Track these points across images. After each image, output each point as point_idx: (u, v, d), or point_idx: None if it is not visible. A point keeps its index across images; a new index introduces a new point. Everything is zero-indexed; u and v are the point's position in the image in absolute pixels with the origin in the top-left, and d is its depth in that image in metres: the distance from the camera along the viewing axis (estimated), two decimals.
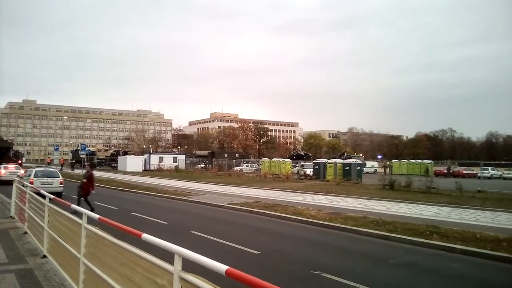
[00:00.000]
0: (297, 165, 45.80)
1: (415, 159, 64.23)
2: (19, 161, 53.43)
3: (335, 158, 54.05)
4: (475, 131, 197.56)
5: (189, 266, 2.84)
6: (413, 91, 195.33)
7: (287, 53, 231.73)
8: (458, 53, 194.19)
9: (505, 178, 47.32)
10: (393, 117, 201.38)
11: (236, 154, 68.43)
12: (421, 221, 12.36)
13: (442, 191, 22.84)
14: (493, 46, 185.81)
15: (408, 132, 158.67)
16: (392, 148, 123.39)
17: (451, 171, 52.47)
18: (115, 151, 76.07)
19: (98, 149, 71.07)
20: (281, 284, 6.22)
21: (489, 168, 49.87)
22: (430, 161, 58.74)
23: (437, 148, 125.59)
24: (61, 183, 20.26)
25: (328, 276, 6.97)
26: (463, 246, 9.20)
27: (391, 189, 24.95)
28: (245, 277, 2.35)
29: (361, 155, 65.73)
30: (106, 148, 76.35)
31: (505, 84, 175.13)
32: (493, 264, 8.24)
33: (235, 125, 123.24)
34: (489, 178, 43.76)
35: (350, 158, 54.67)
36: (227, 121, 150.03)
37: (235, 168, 48.38)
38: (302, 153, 63.10)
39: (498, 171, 51.21)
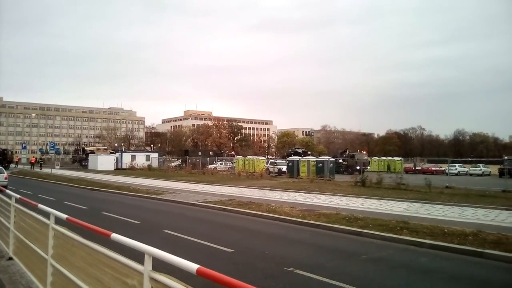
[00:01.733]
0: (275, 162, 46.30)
1: (386, 156, 65.62)
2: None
3: (336, 155, 52.72)
4: (443, 129, 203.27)
5: (161, 266, 2.80)
6: (384, 89, 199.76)
7: (261, 51, 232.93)
8: (426, 53, 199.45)
9: (471, 174, 48.93)
10: (365, 115, 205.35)
11: (210, 152, 68.12)
12: (392, 217, 12.63)
13: (412, 187, 23.44)
14: (459, 47, 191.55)
15: (379, 130, 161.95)
16: (363, 145, 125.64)
17: (417, 167, 54.32)
18: (82, 148, 73.93)
19: (97, 149, 69.69)
20: (254, 281, 6.23)
21: (457, 164, 51.48)
22: (400, 158, 60.13)
23: (407, 145, 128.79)
24: (5, 178, 23.72)
25: (301, 272, 7.03)
26: (431, 241, 9.47)
27: (362, 186, 25.39)
28: (216, 275, 2.34)
29: (364, 152, 62.81)
30: (106, 148, 74.65)
31: (471, 83, 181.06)
32: (460, 257, 8.51)
33: (209, 122, 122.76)
34: (456, 174, 45.22)
35: (353, 156, 51.59)
36: (201, 119, 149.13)
37: (209, 166, 48.13)
38: (300, 150, 59.06)
39: (465, 167, 52.92)
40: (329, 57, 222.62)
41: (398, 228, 10.83)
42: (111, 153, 63.89)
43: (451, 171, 38.06)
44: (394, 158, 59.37)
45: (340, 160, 48.07)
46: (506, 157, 49.14)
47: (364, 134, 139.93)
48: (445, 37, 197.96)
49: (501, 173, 39.67)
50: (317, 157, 58.49)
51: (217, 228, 12.10)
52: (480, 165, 54.28)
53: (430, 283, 6.88)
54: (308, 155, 53.75)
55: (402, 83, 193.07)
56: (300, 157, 45.00)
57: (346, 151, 55.84)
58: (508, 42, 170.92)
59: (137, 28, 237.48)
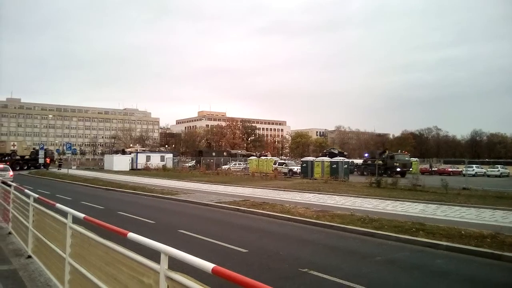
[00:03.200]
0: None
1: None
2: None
3: (373, 156, 48.42)
4: (460, 130, 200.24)
5: (176, 265, 2.83)
6: (397, 90, 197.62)
7: (272, 53, 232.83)
8: (437, 54, 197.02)
9: (489, 176, 48.10)
10: (379, 116, 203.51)
11: (224, 153, 68.36)
12: (407, 218, 12.49)
13: (428, 188, 23.15)
14: (470, 47, 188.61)
15: (394, 130, 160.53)
16: (378, 146, 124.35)
17: (433, 168, 53.34)
18: (122, 150, 73.72)
19: (137, 150, 70.70)
20: (268, 282, 6.24)
21: (474, 165, 50.64)
22: (416, 159, 59.40)
23: (423, 146, 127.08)
24: (11, 176, 26.97)
25: (316, 273, 7.00)
26: (448, 243, 9.34)
27: (378, 186, 25.17)
28: (231, 275, 2.35)
29: (405, 152, 54.60)
30: (144, 148, 75.16)
31: (486, 84, 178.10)
32: (477, 260, 8.38)
33: (223, 123, 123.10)
34: (473, 175, 44.45)
35: (393, 156, 45.93)
36: (214, 119, 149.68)
37: (223, 167, 48.29)
38: (335, 151, 54.20)
39: (482, 168, 52.04)
40: (342, 59, 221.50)
41: (414, 229, 10.72)
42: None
43: (468, 172, 37.37)
44: (411, 158, 58.66)
45: (380, 162, 42.72)
46: None
47: (379, 135, 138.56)
48: (455, 38, 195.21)
49: None
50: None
51: (231, 229, 12.14)
52: (498, 166, 53.28)
53: (446, 285, 6.79)
54: (345, 156, 49.93)
55: (416, 84, 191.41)
56: (342, 158, 42.42)
57: (385, 152, 50.36)
58: None
59: (150, 33, 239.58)
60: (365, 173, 43.43)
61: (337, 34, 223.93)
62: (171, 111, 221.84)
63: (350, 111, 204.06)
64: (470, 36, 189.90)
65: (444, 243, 9.34)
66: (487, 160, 65.66)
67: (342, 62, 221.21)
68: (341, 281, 6.56)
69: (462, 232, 10.32)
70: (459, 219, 12.89)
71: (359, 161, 64.70)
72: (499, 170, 50.84)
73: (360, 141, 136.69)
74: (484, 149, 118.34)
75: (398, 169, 42.26)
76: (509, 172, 48.99)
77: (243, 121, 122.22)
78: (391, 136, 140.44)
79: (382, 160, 44.24)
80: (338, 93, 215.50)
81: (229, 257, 8.19)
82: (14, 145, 56.52)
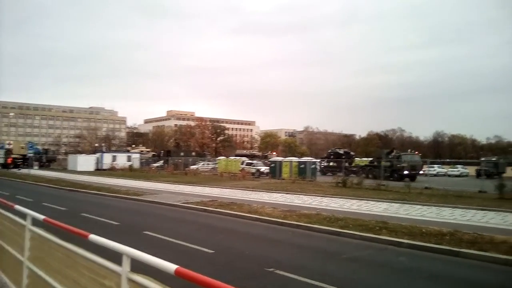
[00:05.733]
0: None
1: (367, 157, 66.28)
2: None
3: (379, 157, 41.42)
4: (423, 131, 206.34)
5: (139, 267, 2.79)
6: (366, 91, 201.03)
7: (245, 53, 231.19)
8: (406, 56, 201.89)
9: (449, 175, 49.92)
10: (347, 116, 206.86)
11: (193, 153, 67.79)
12: (372, 217, 12.81)
13: (391, 188, 23.81)
14: (438, 50, 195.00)
15: (361, 131, 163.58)
16: (345, 146, 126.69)
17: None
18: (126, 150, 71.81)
19: (141, 151, 69.21)
20: (234, 282, 6.23)
21: (435, 165, 52.41)
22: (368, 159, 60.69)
23: (388, 146, 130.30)
24: None
25: (282, 273, 7.07)
26: (410, 241, 9.65)
27: (344, 186, 25.65)
28: (194, 276, 2.34)
29: (416, 152, 46.76)
30: (148, 150, 74.60)
31: (449, 86, 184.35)
32: (437, 256, 8.68)
33: (192, 123, 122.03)
34: (435, 175, 46.00)
35: (400, 156, 39.93)
36: (183, 119, 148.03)
37: (192, 167, 47.89)
38: (341, 151, 49.87)
39: (443, 168, 53.94)
40: (312, 60, 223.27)
41: (377, 228, 11.00)
42: (153, 155, 62.90)
43: (430, 172, 38.75)
44: (363, 159, 59.83)
45: (388, 163, 37.91)
46: (483, 159, 50.38)
47: (346, 136, 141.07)
48: (425, 41, 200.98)
49: (478, 174, 40.53)
50: (299, 157, 58.12)
51: (197, 229, 12.06)
52: (458, 166, 55.42)
53: (408, 282, 7.01)
54: (351, 156, 47.75)
55: (384, 85, 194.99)
56: (345, 158, 41.92)
57: (393, 151, 43.69)
58: (485, 47, 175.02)
59: (122, 30, 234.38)
60: (370, 176, 37.04)
61: (311, 35, 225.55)
62: (140, 111, 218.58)
63: (319, 111, 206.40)
64: (439, 38, 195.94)
65: (406, 241, 9.64)
66: (448, 160, 68.10)
67: (315, 63, 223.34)
68: (307, 280, 6.64)
69: (423, 230, 10.68)
70: (420, 218, 13.33)
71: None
72: (459, 170, 52.92)
73: (327, 142, 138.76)
74: (445, 149, 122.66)
75: (406, 172, 36.97)
76: (468, 172, 50.96)
77: (213, 121, 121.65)
78: (357, 137, 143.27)
79: (388, 161, 38.62)
80: (308, 93, 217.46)
81: (195, 258, 8.14)
82: None
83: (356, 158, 49.94)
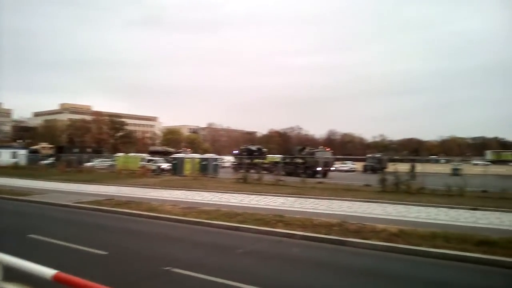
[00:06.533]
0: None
1: (268, 154, 68.61)
2: None
3: (292, 153, 43.25)
4: (318, 129, 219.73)
5: (21, 274, 2.56)
6: (267, 90, 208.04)
7: (148, 48, 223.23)
8: (303, 59, 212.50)
9: (340, 171, 53.93)
10: (249, 114, 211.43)
11: (89, 149, 63.77)
12: (269, 211, 13.29)
13: (288, 183, 24.95)
14: (331, 56, 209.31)
15: (262, 128, 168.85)
16: (247, 143, 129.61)
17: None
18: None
19: (43, 147, 60.51)
20: (128, 283, 6.06)
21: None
22: (280, 155, 63.44)
23: (287, 143, 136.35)
24: None
25: (178, 270, 7.02)
26: (302, 232, 10.24)
27: (244, 182, 26.22)
28: (74, 280, 2.24)
29: (327, 149, 47.04)
30: (51, 146, 65.59)
31: (344, 89, 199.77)
32: (326, 246, 9.36)
33: (88, 117, 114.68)
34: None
35: (314, 153, 39.98)
36: (79, 113, 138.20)
37: (87, 164, 45.00)
38: (254, 148, 48.97)
39: (335, 164, 58.12)
40: (214, 58, 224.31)
41: (274, 221, 11.48)
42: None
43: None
44: (275, 155, 62.30)
45: (302, 160, 38.70)
46: (369, 155, 55.33)
47: (248, 133, 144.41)
48: (320, 46, 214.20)
49: (365, 169, 44.44)
50: (202, 154, 57.96)
51: (90, 230, 11.40)
52: (348, 162, 60.12)
53: (299, 271, 7.42)
54: (263, 153, 46.87)
55: (284, 85, 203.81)
56: (258, 155, 41.84)
57: (305, 148, 44.18)
58: (366, 56, 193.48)
59: (11, 14, 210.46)
60: (282, 173, 36.65)
61: (213, 33, 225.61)
62: (29, 103, 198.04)
63: (222, 108, 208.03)
64: (329, 46, 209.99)
65: (299, 233, 10.22)
66: (339, 156, 73.40)
67: (217, 61, 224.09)
68: (203, 276, 6.69)
69: (315, 222, 11.41)
70: (313, 210, 14.20)
71: (230, 157, 65.13)
72: (348, 166, 57.43)
73: (230, 139, 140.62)
74: (337, 146, 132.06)
75: (319, 168, 37.08)
76: (356, 167, 55.52)
77: (111, 115, 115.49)
78: (259, 134, 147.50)
79: (302, 158, 39.47)
80: (211, 91, 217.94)
81: (85, 261, 7.69)
82: None
83: (268, 155, 50.16)
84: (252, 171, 34.11)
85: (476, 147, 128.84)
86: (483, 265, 7.69)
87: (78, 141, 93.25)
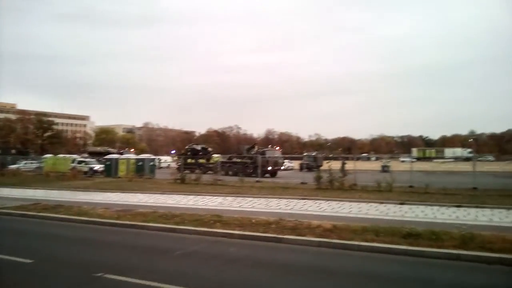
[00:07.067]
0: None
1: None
2: None
3: (240, 152, 41.70)
4: (256, 128, 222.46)
5: None
6: (204, 90, 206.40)
7: (76, 43, 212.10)
8: (242, 59, 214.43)
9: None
10: (186, 114, 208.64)
11: (13, 150, 59.44)
12: (207, 212, 13.17)
13: (227, 182, 24.95)
14: (267, 56, 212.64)
15: (200, 128, 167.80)
16: (185, 143, 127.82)
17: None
18: None
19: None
20: None
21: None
22: (219, 155, 63.23)
23: (225, 143, 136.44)
24: None
25: (111, 276, 6.72)
26: (240, 231, 10.28)
27: (182, 183, 25.81)
28: None
29: (277, 148, 46.50)
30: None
31: (279, 90, 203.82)
32: (264, 244, 9.46)
33: (12, 116, 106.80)
34: None
35: (264, 153, 38.39)
36: (2, 112, 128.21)
37: (11, 167, 41.88)
38: (198, 147, 47.12)
39: None
40: (150, 55, 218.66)
41: (212, 221, 11.40)
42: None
43: None
44: (214, 155, 61.87)
45: (250, 159, 37.41)
46: (305, 153, 56.82)
47: (186, 132, 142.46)
48: (260, 46, 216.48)
49: (301, 168, 45.55)
50: (138, 154, 56.20)
51: (14, 237, 10.63)
52: (286, 160, 61.22)
53: (237, 270, 7.42)
54: (209, 153, 45.20)
55: (221, 85, 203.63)
56: (203, 155, 40.37)
57: (254, 147, 42.39)
58: (302, 56, 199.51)
59: None
60: (230, 172, 36.79)
61: (155, 29, 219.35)
62: None
63: (158, 108, 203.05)
64: (266, 46, 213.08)
65: (237, 232, 10.25)
66: None
67: (153, 58, 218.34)
68: (137, 280, 6.47)
69: (253, 220, 11.49)
70: (251, 209, 14.31)
71: (167, 157, 63.38)
72: (286, 164, 58.43)
73: (167, 138, 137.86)
74: (275, 145, 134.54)
75: (269, 168, 36.73)
76: (293, 166, 56.70)
77: (39, 114, 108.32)
78: (197, 134, 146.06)
79: (250, 157, 37.94)
80: (147, 89, 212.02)
81: (8, 271, 7.14)
82: None
83: (214, 155, 48.86)
84: (197, 171, 33.60)
85: (403, 145, 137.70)
86: (410, 256, 8.17)
87: (1, 141, 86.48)
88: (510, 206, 14.18)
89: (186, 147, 50.91)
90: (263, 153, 38.01)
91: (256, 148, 41.34)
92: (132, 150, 71.21)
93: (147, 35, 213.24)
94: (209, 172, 33.45)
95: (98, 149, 61.54)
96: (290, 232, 10.02)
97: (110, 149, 58.47)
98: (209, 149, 48.55)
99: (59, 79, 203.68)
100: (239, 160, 39.48)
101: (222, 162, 41.24)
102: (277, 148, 46.22)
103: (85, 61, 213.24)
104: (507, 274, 7.18)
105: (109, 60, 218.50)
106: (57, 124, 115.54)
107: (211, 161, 43.50)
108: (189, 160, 42.67)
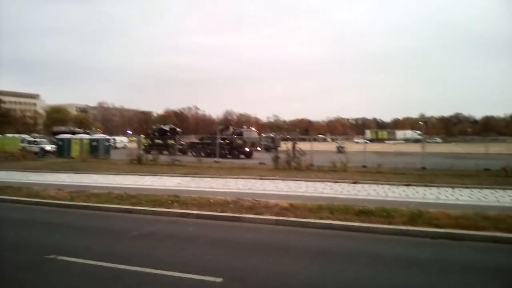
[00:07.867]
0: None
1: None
2: None
3: (214, 133, 37.41)
4: (215, 109, 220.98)
5: None
6: (161, 70, 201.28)
7: (21, 16, 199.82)
8: (200, 40, 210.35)
9: None
10: (143, 94, 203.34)
11: None
12: (164, 192, 13.05)
13: (185, 163, 24.75)
14: (223, 38, 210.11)
15: (157, 108, 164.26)
16: (142, 123, 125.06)
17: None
18: None
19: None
20: (8, 276, 5.55)
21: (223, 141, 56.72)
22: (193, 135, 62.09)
23: (184, 123, 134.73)
24: None
25: (64, 258, 6.58)
26: (198, 211, 10.30)
27: (139, 163, 25.33)
28: None
29: (253, 129, 44.11)
30: None
31: (236, 71, 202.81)
32: (222, 223, 9.55)
33: None
34: None
35: (241, 133, 37.07)
36: None
37: None
38: (166, 127, 44.68)
39: None
40: (104, 34, 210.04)
41: (169, 202, 11.33)
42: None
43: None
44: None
45: (224, 140, 35.04)
46: (263, 135, 57.17)
47: (143, 112, 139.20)
48: (213, 28, 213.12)
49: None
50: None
51: None
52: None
53: (193, 249, 7.43)
54: (177, 133, 42.77)
55: (179, 66, 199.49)
56: (171, 135, 38.60)
57: (228, 128, 40.49)
58: (256, 38, 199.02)
59: None
60: (202, 153, 34.21)
61: (101, 8, 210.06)
62: None
63: (113, 87, 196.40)
64: (221, 27, 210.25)
65: (195, 212, 10.26)
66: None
67: (107, 37, 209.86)
68: (92, 262, 6.36)
69: (211, 200, 11.51)
70: (209, 189, 14.31)
71: (123, 138, 61.60)
72: None
73: (123, 118, 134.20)
74: (234, 126, 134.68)
75: (247, 149, 35.51)
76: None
77: None
78: (155, 114, 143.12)
79: (224, 138, 35.57)
80: (102, 67, 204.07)
81: None
82: None
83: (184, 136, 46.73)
84: (165, 152, 32.35)
85: (358, 127, 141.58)
86: (363, 233, 8.52)
87: None
88: (455, 185, 15.05)
89: (154, 127, 48.79)
90: (240, 134, 36.78)
91: (231, 129, 39.56)
92: (99, 130, 68.37)
93: (100, 13, 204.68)
94: (179, 153, 32.20)
95: (63, 128, 58.20)
96: (248, 211, 10.15)
97: (76, 129, 55.65)
98: (178, 129, 46.27)
99: (7, 55, 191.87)
100: (211, 141, 36.29)
101: (193, 142, 39.67)
102: (253, 129, 44.61)
103: (34, 37, 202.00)
104: (451, 247, 7.66)
105: (60, 36, 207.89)
106: (4, 102, 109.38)
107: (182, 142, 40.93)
108: (156, 141, 41.21)
